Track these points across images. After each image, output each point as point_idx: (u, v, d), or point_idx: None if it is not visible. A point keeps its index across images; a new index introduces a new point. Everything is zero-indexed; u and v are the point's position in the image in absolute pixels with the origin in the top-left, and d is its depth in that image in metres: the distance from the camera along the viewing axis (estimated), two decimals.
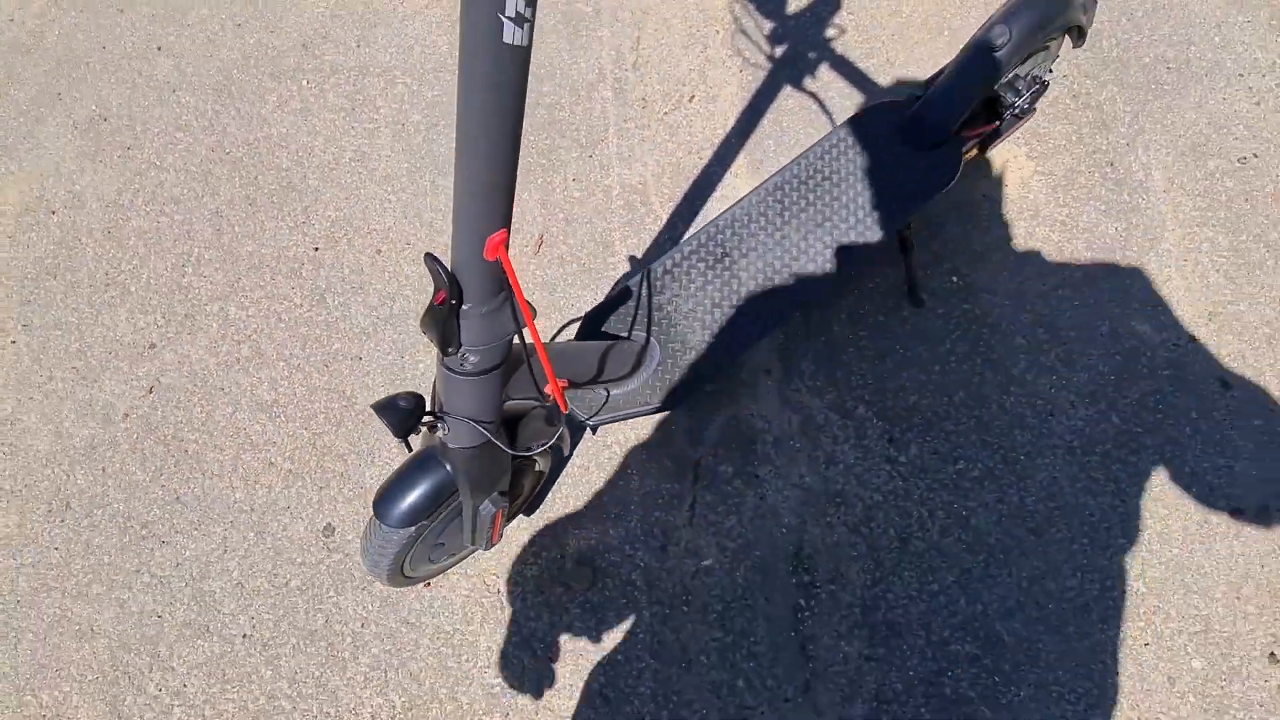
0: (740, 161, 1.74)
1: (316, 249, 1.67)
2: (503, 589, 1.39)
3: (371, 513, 1.11)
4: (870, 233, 1.43)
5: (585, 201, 1.70)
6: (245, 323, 1.60)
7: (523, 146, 1.65)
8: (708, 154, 1.75)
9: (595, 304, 1.38)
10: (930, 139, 1.48)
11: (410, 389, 1.01)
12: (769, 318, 1.38)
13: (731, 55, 1.86)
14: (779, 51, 1.86)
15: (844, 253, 1.43)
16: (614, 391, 1.33)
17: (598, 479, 1.46)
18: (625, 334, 1.36)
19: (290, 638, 1.36)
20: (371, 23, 1.92)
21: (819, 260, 1.42)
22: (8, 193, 1.73)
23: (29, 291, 1.64)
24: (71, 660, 1.35)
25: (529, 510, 1.43)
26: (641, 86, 1.83)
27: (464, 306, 0.86)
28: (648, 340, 1.35)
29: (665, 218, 1.69)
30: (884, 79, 1.81)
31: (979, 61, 1.43)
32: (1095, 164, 1.72)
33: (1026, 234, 1.66)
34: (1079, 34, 1.51)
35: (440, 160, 1.75)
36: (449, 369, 0.93)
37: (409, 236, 1.68)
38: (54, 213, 1.71)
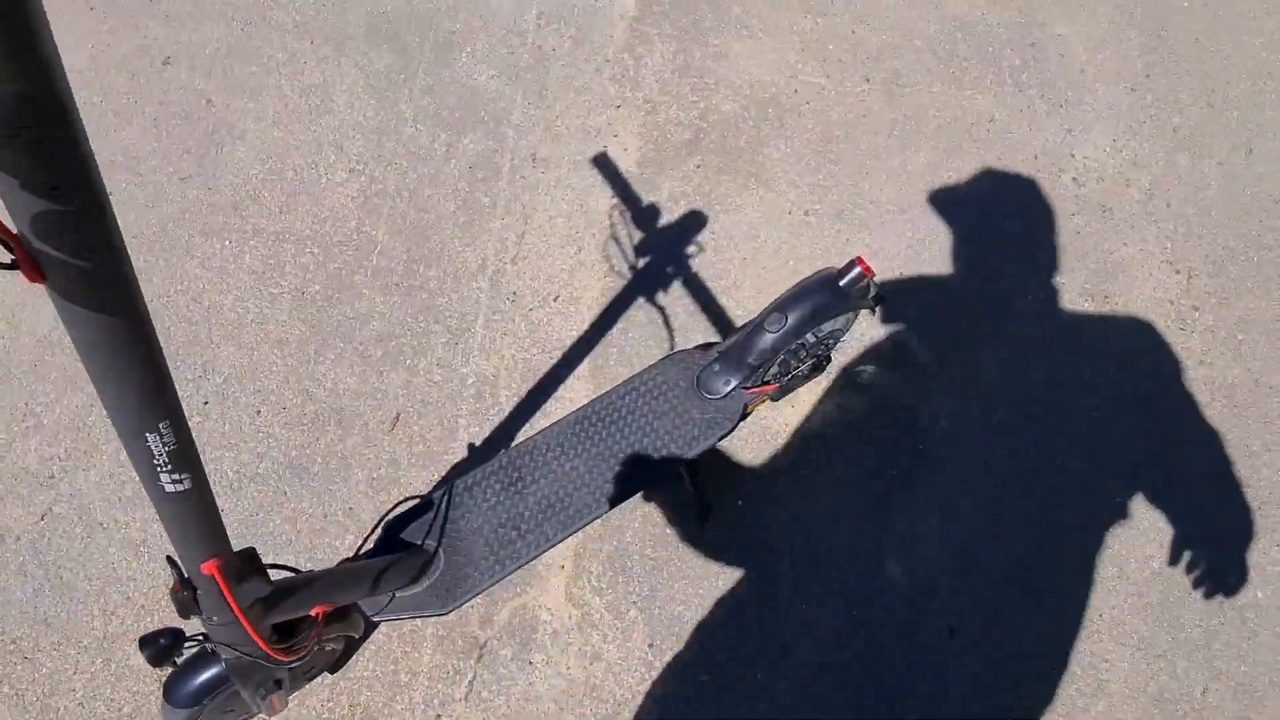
0: (585, 366, 1.99)
1: (206, 402, 1.94)
2: None
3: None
4: (654, 469, 1.68)
5: (443, 386, 1.96)
6: (131, 466, 1.88)
7: (399, 327, 1.88)
8: (558, 354, 2.01)
9: (395, 511, 1.64)
10: (718, 390, 1.72)
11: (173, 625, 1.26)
12: (549, 538, 1.63)
13: (600, 260, 2.11)
14: (642, 262, 2.11)
15: (629, 483, 1.67)
16: (399, 594, 1.58)
17: (396, 648, 1.72)
18: (418, 542, 1.61)
19: None
20: (295, 190, 2.20)
21: (605, 490, 1.66)
22: None
23: None
24: None
25: (334, 669, 1.69)
26: (516, 281, 2.09)
27: (199, 591, 1.12)
28: (436, 551, 1.61)
29: (509, 411, 1.94)
30: (726, 299, 2.05)
31: (755, 339, 1.68)
32: (892, 407, 1.95)
33: (817, 464, 1.89)
34: (873, 309, 1.75)
35: (327, 332, 2.02)
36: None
37: (286, 401, 1.94)
38: None
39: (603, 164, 2.24)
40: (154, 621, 1.73)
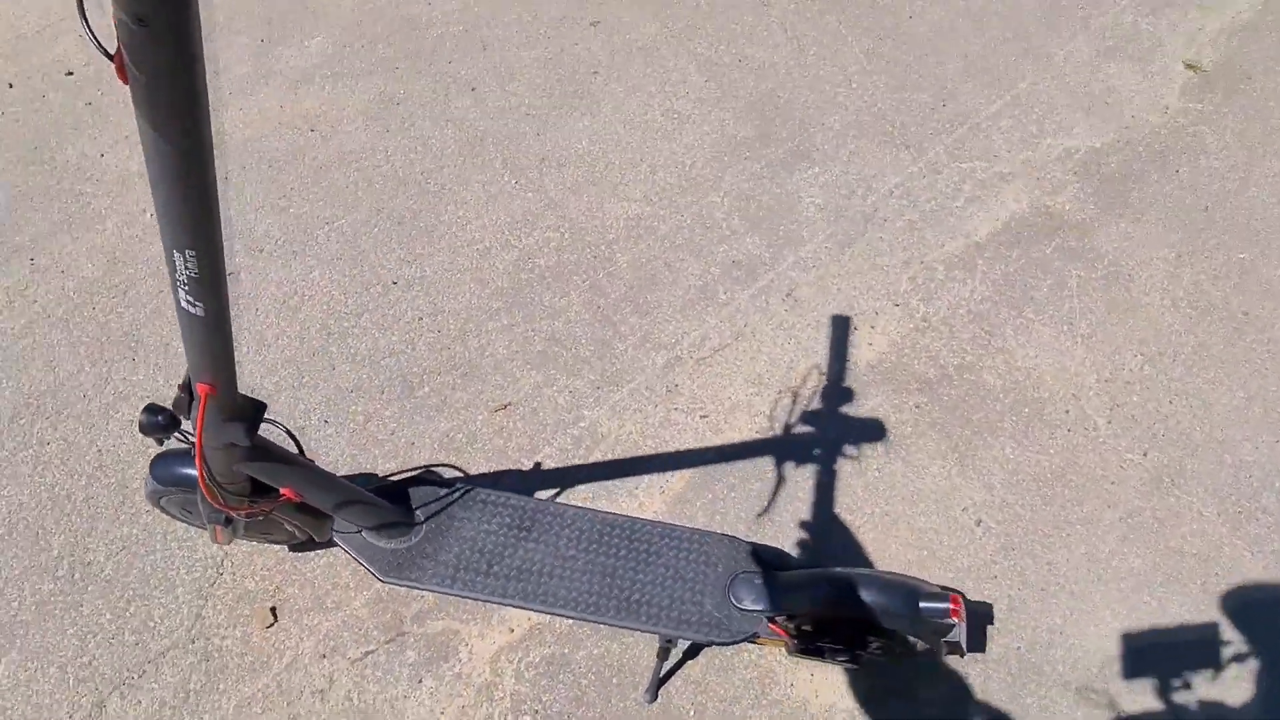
0: (673, 483, 1.93)
1: (395, 283, 2.12)
2: (221, 579, 1.76)
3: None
4: (635, 619, 1.60)
5: (559, 411, 2.00)
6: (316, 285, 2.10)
7: (570, 341, 1.94)
8: (667, 457, 1.97)
9: (438, 472, 1.69)
10: (743, 601, 1.60)
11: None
12: (503, 596, 1.62)
13: (765, 413, 2.04)
14: (797, 436, 2.01)
15: (604, 613, 1.61)
16: (367, 536, 1.64)
17: (344, 576, 1.78)
18: (414, 507, 1.66)
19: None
20: (593, 180, 2.33)
21: (582, 600, 1.62)
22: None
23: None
24: None
25: (292, 548, 1.78)
26: (686, 377, 2.07)
27: (193, 401, 1.20)
28: (418, 527, 1.65)
29: (586, 467, 1.94)
30: (837, 530, 1.90)
31: (809, 588, 1.54)
32: None
33: None
34: (941, 652, 1.56)
35: (518, 302, 2.12)
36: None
37: (446, 328, 2.07)
38: (313, 129, 2.32)
39: (839, 338, 2.16)
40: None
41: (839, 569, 1.58)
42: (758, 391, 2.07)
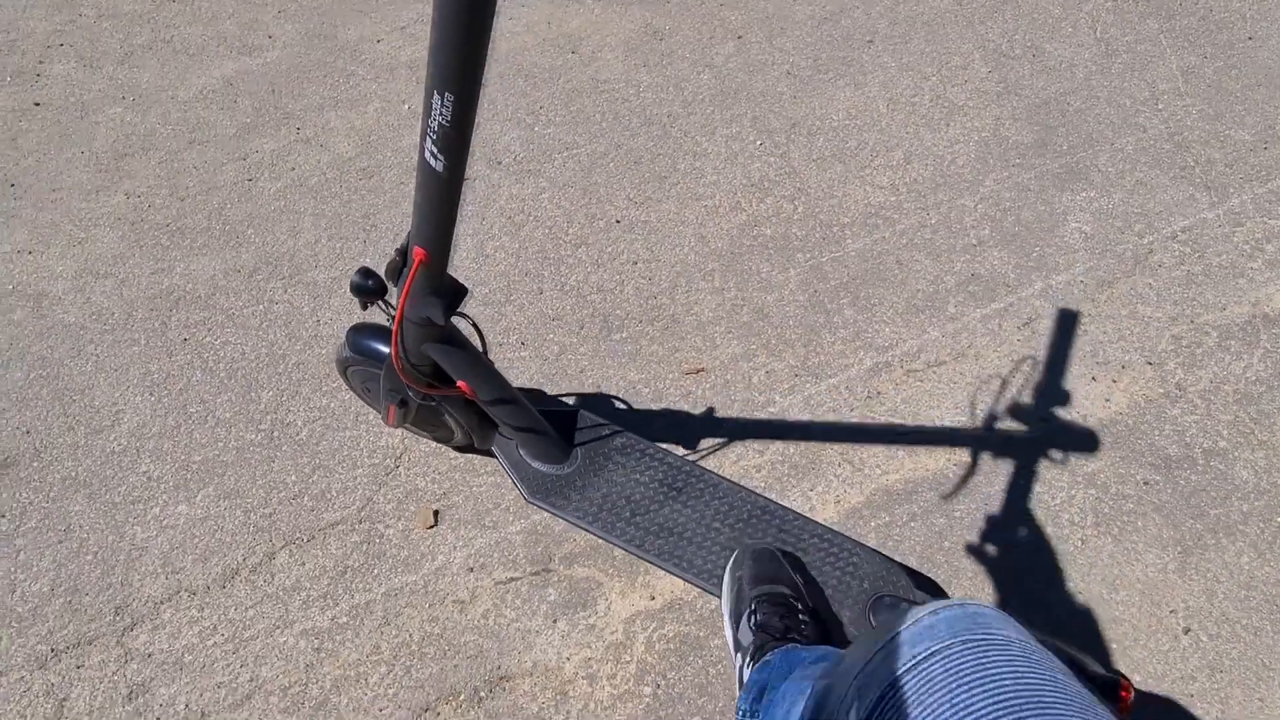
0: (854, 494, 1.82)
1: (618, 221, 2.09)
2: (397, 471, 1.83)
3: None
4: None
5: (752, 391, 1.92)
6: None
7: (774, 312, 1.86)
8: (851, 466, 1.85)
9: (609, 400, 1.68)
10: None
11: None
12: (641, 548, 1.64)
13: (971, 445, 1.87)
14: (999, 473, 1.83)
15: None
16: (523, 453, 1.67)
17: (507, 499, 1.80)
18: (576, 438, 1.69)
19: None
20: (849, 175, 2.19)
21: (716, 571, 1.61)
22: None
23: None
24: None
25: (445, 444, 1.82)
26: (892, 388, 1.93)
27: (404, 268, 1.19)
28: (575, 456, 1.67)
29: (768, 449, 1.86)
30: (1011, 603, 1.74)
31: None
32: None
33: None
34: None
35: (730, 268, 2.04)
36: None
37: (664, 280, 2.03)
38: (574, 50, 2.30)
39: (1074, 383, 1.94)
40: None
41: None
42: (966, 420, 1.90)
